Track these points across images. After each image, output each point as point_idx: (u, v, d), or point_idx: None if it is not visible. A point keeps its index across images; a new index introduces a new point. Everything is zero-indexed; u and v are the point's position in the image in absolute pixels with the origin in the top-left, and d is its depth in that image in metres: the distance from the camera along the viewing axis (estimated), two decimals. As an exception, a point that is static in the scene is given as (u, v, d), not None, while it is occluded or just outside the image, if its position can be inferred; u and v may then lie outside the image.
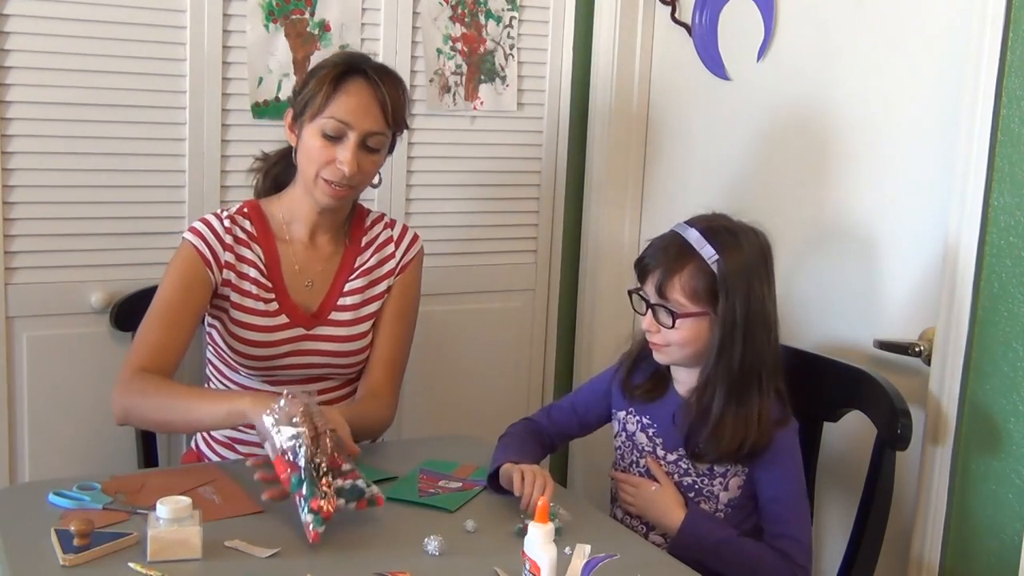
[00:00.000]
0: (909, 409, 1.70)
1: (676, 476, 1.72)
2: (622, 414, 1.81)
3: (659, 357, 1.71)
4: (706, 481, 1.71)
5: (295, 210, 1.90)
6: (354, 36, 2.26)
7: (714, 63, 2.33)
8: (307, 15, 2.21)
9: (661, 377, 1.77)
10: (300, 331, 1.88)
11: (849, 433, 1.94)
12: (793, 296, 2.15)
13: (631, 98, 2.52)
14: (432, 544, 1.46)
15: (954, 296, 1.77)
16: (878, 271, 1.98)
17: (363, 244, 1.96)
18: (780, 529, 1.67)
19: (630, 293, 1.73)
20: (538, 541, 1.27)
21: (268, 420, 1.50)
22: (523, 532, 1.47)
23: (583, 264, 2.62)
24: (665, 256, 1.65)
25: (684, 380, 1.73)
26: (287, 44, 2.19)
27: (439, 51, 2.36)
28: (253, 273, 1.87)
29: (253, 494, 1.56)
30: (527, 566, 1.28)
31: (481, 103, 2.43)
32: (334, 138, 1.79)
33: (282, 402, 1.51)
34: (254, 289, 1.86)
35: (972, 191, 1.73)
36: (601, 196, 2.54)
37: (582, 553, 1.31)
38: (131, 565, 1.37)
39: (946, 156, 1.80)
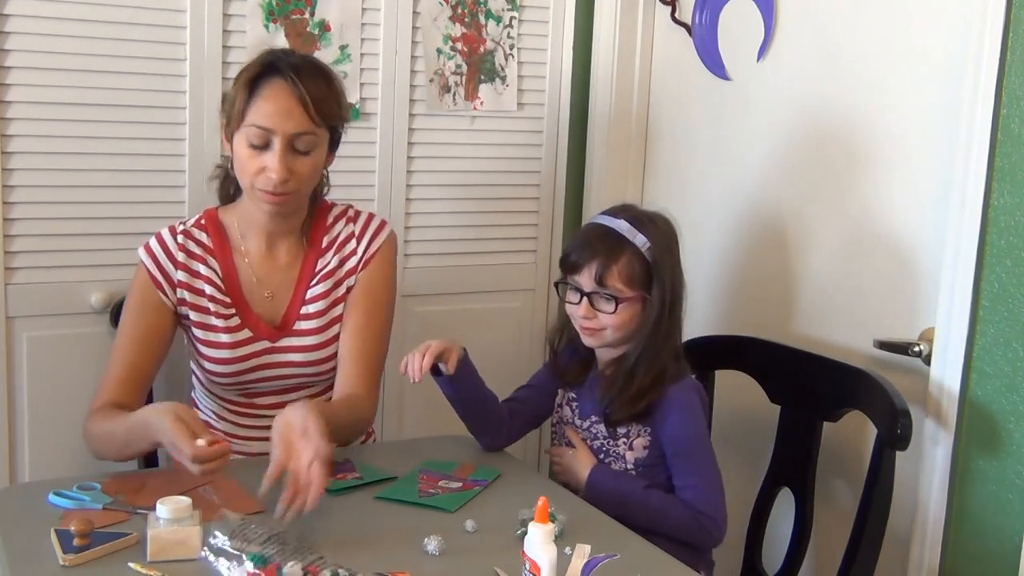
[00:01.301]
0: (909, 409, 1.70)
1: (589, 440, 1.85)
2: (560, 391, 1.94)
3: (590, 341, 1.82)
4: (611, 443, 1.82)
5: (248, 219, 1.84)
6: (354, 36, 2.26)
7: (714, 63, 2.33)
8: (307, 15, 2.21)
9: (586, 360, 1.89)
10: (265, 344, 1.83)
11: (849, 433, 1.94)
12: (793, 296, 2.15)
13: (631, 98, 2.52)
14: (432, 544, 1.46)
15: (954, 296, 1.77)
16: (878, 271, 1.98)
17: (324, 245, 1.87)
18: (684, 481, 1.78)
19: (556, 284, 1.85)
20: (538, 541, 1.27)
21: (222, 563, 1.35)
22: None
23: (583, 264, 2.61)
24: (594, 248, 1.77)
25: (602, 356, 1.86)
26: (287, 44, 2.18)
27: (439, 51, 2.36)
28: (209, 290, 1.82)
29: (253, 494, 1.55)
30: (527, 566, 1.28)
31: (481, 103, 2.43)
32: (260, 146, 1.71)
33: (217, 534, 1.39)
34: (212, 306, 1.82)
35: (972, 191, 1.73)
36: (601, 196, 2.53)
37: (582, 553, 1.31)
38: (131, 565, 1.37)
39: (946, 156, 1.80)
